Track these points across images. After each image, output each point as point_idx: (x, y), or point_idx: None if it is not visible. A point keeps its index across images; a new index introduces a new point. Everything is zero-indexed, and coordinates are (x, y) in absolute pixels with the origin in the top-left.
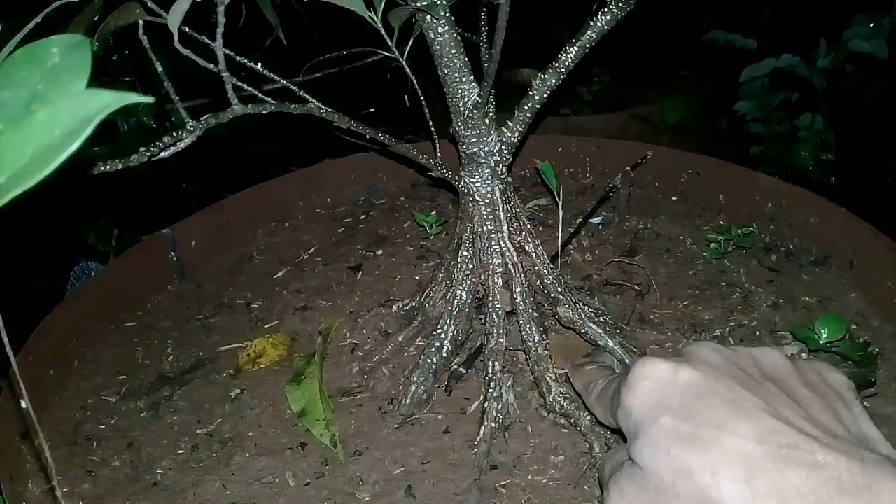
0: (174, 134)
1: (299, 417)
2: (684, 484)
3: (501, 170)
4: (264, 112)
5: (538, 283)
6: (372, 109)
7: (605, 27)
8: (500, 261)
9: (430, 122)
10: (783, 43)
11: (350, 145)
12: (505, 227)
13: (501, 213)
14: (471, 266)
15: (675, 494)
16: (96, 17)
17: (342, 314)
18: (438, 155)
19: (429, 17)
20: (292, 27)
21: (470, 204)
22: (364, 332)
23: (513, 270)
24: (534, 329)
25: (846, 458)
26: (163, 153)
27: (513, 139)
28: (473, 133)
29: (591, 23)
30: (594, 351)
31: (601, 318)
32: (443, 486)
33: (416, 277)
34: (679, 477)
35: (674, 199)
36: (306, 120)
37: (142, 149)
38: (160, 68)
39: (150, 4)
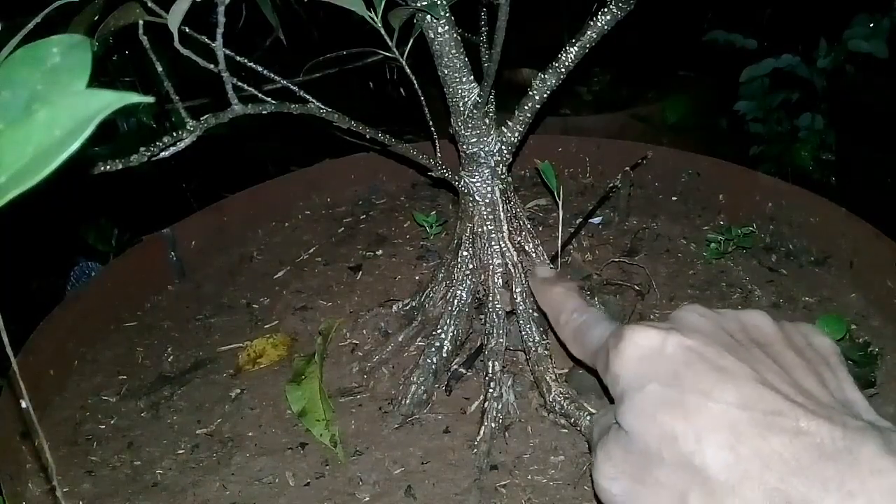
0: (174, 134)
1: (299, 417)
2: (669, 449)
3: (501, 170)
4: (264, 112)
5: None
6: (370, 109)
7: (605, 27)
8: (500, 261)
9: (430, 122)
10: (783, 43)
11: (350, 145)
12: (505, 227)
13: (501, 213)
14: (471, 266)
15: (660, 459)
16: (96, 17)
17: (342, 314)
18: (438, 155)
19: (429, 17)
20: (292, 27)
21: (470, 204)
22: (364, 332)
23: (513, 270)
24: (534, 329)
25: (828, 424)
26: (163, 153)
27: (513, 139)
28: (473, 133)
29: (591, 23)
30: (555, 274)
31: None
32: (443, 486)
33: (416, 277)
34: (664, 442)
35: (674, 199)
36: (306, 120)
37: (142, 149)
38: (160, 68)
39: (150, 4)
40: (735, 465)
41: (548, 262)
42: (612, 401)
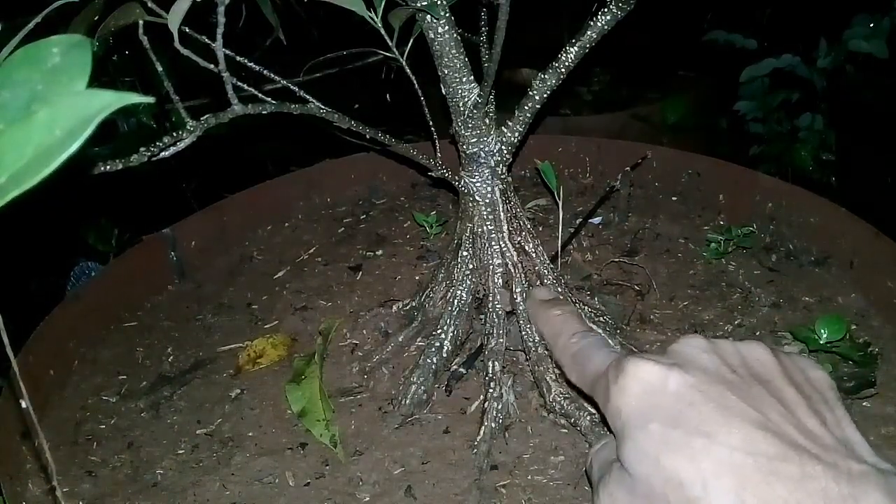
0: (174, 134)
1: (299, 417)
2: (675, 494)
3: (501, 170)
4: (264, 112)
5: (538, 283)
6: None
7: (605, 27)
8: (500, 261)
9: (430, 122)
10: (783, 43)
11: (350, 145)
12: (505, 227)
13: (501, 213)
14: (471, 266)
15: (665, 503)
16: (96, 17)
17: (342, 314)
18: (438, 155)
19: (429, 17)
20: (292, 27)
21: (470, 204)
22: (364, 332)
23: (513, 270)
24: (534, 329)
25: (833, 470)
26: (163, 153)
27: (513, 139)
28: (473, 133)
29: (591, 23)
30: (554, 296)
31: (601, 318)
32: (443, 486)
33: (416, 277)
34: (669, 487)
35: (674, 199)
36: (306, 120)
37: (142, 149)
38: (160, 68)
39: (150, 4)
40: None
41: (548, 261)
42: (609, 430)
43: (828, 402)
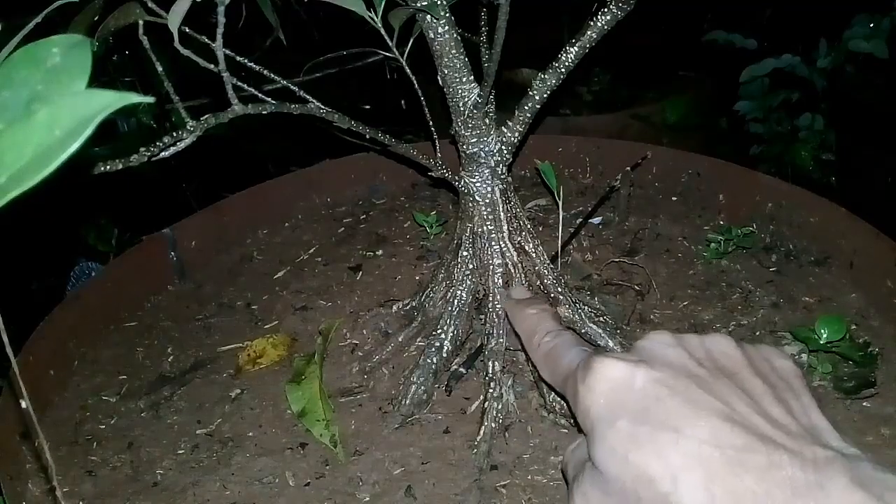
0: (174, 134)
1: (299, 417)
2: (646, 491)
3: (501, 170)
4: (264, 112)
5: (538, 283)
6: (368, 106)
7: (605, 27)
8: (500, 261)
9: (430, 122)
10: (783, 43)
11: (350, 145)
12: (505, 227)
13: (501, 213)
14: (471, 266)
15: (636, 500)
16: (96, 17)
17: (342, 314)
18: (438, 155)
19: (429, 17)
20: (292, 27)
21: (470, 204)
22: (364, 332)
23: (513, 270)
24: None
25: (799, 458)
26: (163, 153)
27: (513, 139)
28: (473, 133)
29: (591, 23)
30: (531, 295)
31: (601, 318)
32: (443, 486)
33: (416, 277)
34: (640, 483)
35: (674, 199)
36: (306, 120)
37: (142, 149)
38: (160, 68)
39: (150, 4)
40: None
41: (548, 261)
42: (580, 430)
43: (794, 390)
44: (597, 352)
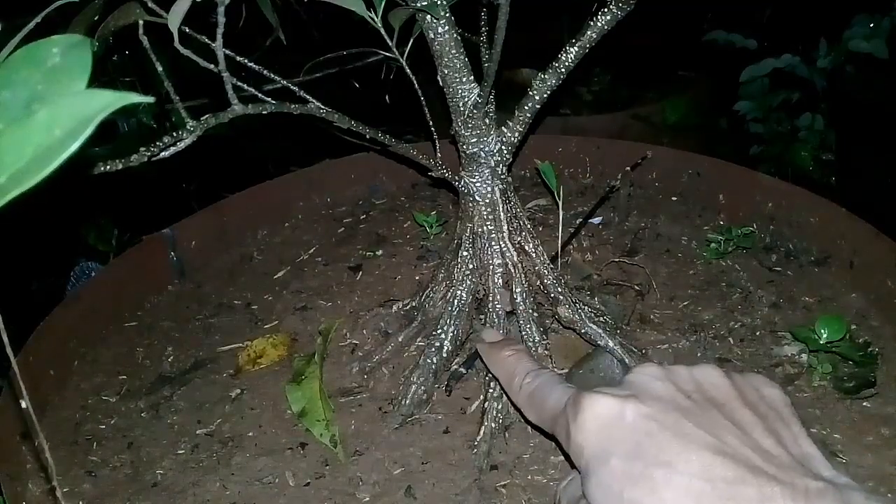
0: (174, 134)
1: (299, 417)
2: None
3: (501, 170)
4: (264, 112)
5: (538, 283)
6: (384, 102)
7: (605, 27)
8: (500, 261)
9: (430, 122)
10: (783, 43)
11: (350, 145)
12: (505, 227)
13: (501, 213)
14: (471, 266)
15: None
16: (96, 17)
17: (342, 314)
18: (438, 155)
19: (429, 17)
20: (292, 27)
21: (470, 204)
22: (364, 332)
23: (513, 270)
24: (534, 329)
25: (790, 489)
26: (163, 153)
27: (513, 139)
28: (473, 133)
29: (591, 23)
30: (502, 337)
31: (601, 318)
32: (443, 486)
33: (416, 277)
34: None
35: (674, 199)
36: (306, 120)
37: (142, 149)
38: (160, 68)
39: (150, 4)
40: None
41: (548, 261)
42: (572, 465)
43: (783, 419)
44: (581, 390)
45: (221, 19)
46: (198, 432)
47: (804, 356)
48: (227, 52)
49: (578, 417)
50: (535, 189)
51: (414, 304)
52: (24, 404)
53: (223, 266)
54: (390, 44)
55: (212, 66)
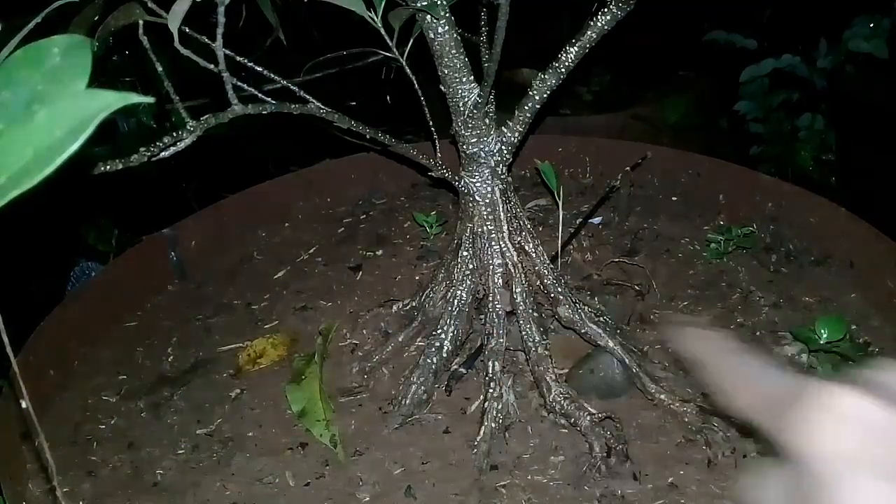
0: (174, 134)
1: (299, 417)
2: None
3: (501, 170)
4: (264, 112)
5: (538, 283)
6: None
7: (605, 27)
8: (500, 261)
9: (430, 122)
10: (783, 43)
11: (350, 145)
12: (505, 227)
13: (501, 213)
14: (471, 266)
15: None
16: (96, 17)
17: (342, 314)
18: (438, 155)
19: (429, 17)
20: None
21: (470, 204)
22: (364, 332)
23: (513, 270)
24: (534, 329)
25: None
26: (163, 153)
27: (513, 139)
28: (473, 133)
29: (591, 23)
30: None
31: (601, 318)
32: (443, 486)
33: (416, 277)
34: None
35: (674, 199)
36: (306, 120)
37: (142, 149)
38: (160, 68)
39: (150, 4)
40: None
41: (548, 261)
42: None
43: None
44: (828, 383)
45: (221, 19)
46: (198, 432)
47: (804, 356)
48: (227, 52)
49: (811, 414)
50: (535, 189)
51: (414, 304)
52: (24, 404)
53: (223, 266)
54: (390, 44)
55: (212, 66)
